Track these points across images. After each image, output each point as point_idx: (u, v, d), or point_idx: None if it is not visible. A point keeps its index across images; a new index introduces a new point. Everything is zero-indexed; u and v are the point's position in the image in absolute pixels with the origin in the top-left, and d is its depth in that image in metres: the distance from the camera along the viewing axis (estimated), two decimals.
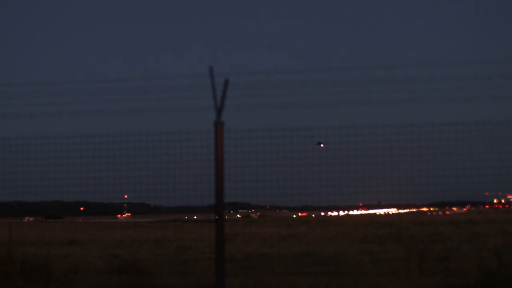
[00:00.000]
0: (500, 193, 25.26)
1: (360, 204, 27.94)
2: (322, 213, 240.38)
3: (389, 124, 23.34)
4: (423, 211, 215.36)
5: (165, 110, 24.50)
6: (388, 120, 23.86)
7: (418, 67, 24.57)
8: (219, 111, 22.07)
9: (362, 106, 23.83)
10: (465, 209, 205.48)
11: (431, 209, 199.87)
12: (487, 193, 24.80)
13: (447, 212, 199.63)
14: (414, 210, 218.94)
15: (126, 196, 26.07)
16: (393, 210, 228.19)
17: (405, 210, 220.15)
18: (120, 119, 25.75)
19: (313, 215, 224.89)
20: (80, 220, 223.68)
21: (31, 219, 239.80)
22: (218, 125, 21.86)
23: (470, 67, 23.39)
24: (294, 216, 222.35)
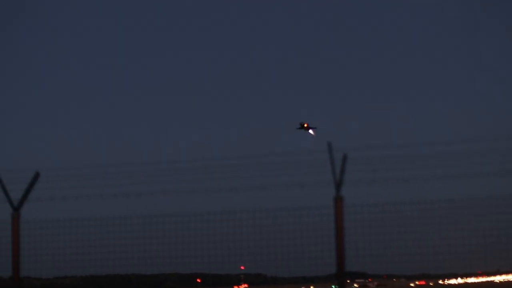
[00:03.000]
0: None
1: (479, 272, 27.55)
2: (440, 281, 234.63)
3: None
4: None
5: (283, 186, 24.92)
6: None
7: None
8: (338, 186, 22.53)
9: (478, 178, 23.90)
10: None
11: None
12: None
13: None
14: None
15: (242, 268, 26.43)
16: None
17: None
18: (237, 196, 26.23)
19: (431, 283, 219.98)
20: None
21: None
22: (338, 200, 22.31)
23: None
24: (412, 284, 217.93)
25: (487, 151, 24.07)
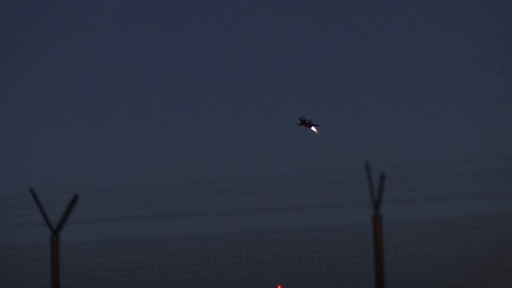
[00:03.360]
0: None
1: None
2: None
3: None
4: None
5: (320, 206, 24.89)
6: None
7: None
8: (376, 205, 22.44)
9: None
10: None
11: None
12: None
13: None
14: None
15: (279, 287, 26.38)
16: None
17: None
18: (274, 216, 26.19)
19: None
20: None
21: None
22: (376, 219, 22.21)
23: None
24: None
25: None
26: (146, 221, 26.61)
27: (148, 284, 27.04)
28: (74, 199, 26.67)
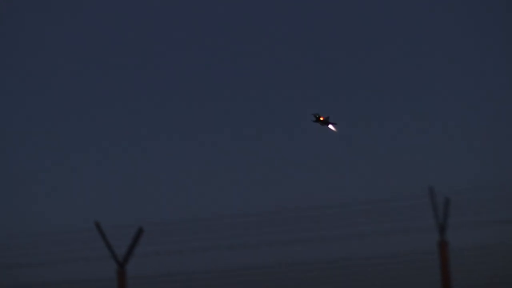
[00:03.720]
0: None
1: None
2: None
3: None
4: None
5: (382, 233, 24.74)
6: None
7: None
8: (442, 230, 22.26)
9: None
10: None
11: None
12: None
13: None
14: None
15: None
16: None
17: None
18: (336, 244, 26.06)
19: None
20: None
21: None
22: (442, 244, 22.02)
23: None
24: None
25: None
26: (212, 252, 26.61)
27: None
28: (139, 232, 26.80)
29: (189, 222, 26.66)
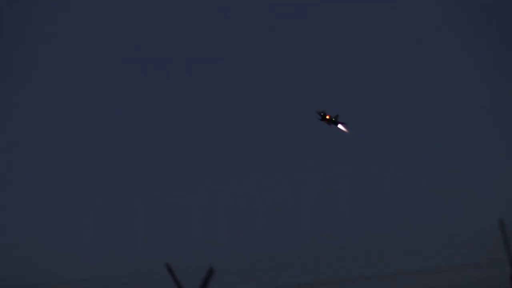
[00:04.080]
0: None
1: None
2: None
3: None
4: None
5: (452, 268, 25.73)
6: None
7: None
8: None
9: None
10: None
11: None
12: None
13: None
14: None
15: None
16: None
17: None
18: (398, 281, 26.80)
19: None
20: None
21: None
22: None
23: None
24: None
25: None
26: None
27: None
28: (210, 272, 27.59)
29: (260, 261, 27.47)
